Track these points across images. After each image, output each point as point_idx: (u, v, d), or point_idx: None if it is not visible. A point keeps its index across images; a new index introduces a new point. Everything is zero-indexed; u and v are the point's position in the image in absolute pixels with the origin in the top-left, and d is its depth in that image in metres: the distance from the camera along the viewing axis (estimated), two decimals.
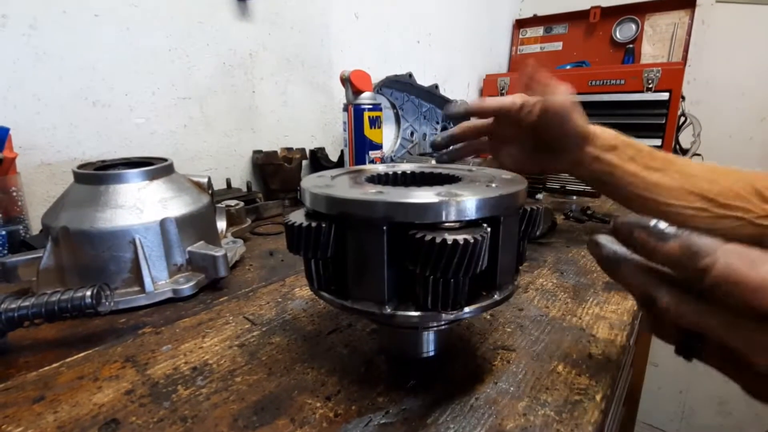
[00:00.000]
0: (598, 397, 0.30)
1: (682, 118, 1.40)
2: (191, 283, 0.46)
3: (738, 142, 1.50)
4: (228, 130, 0.86)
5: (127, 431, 0.27)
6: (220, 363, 0.35)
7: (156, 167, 0.48)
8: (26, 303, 0.35)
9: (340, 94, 0.86)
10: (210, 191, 0.55)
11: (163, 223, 0.46)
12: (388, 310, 0.27)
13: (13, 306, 0.35)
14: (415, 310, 0.27)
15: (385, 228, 0.25)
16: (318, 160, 0.99)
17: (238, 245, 0.58)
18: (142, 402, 0.30)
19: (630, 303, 0.44)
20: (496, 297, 0.29)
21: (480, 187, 0.28)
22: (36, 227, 0.58)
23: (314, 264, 0.29)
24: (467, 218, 0.25)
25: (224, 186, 0.84)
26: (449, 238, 0.23)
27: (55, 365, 0.35)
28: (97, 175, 0.45)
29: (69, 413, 0.29)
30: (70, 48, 0.63)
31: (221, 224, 0.62)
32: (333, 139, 1.09)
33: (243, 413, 0.29)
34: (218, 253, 0.47)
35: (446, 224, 0.25)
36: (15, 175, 0.53)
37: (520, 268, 0.33)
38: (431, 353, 0.34)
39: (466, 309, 0.27)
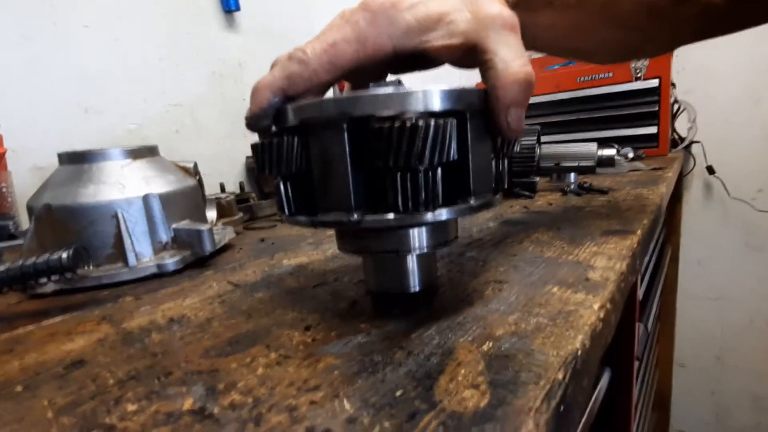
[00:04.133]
0: (595, 306, 0.28)
1: (676, 106, 1.40)
2: (176, 258, 0.45)
3: (736, 126, 1.49)
4: (220, 136, 0.88)
5: (93, 367, 0.26)
6: (198, 315, 0.33)
7: (139, 147, 0.48)
8: (1, 268, 0.35)
9: None
10: (197, 176, 0.55)
11: (146, 199, 0.45)
12: (356, 216, 0.25)
13: None
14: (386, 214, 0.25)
15: (345, 125, 0.24)
16: None
17: (227, 230, 0.57)
18: (113, 346, 0.29)
19: (630, 242, 0.42)
20: (472, 202, 0.27)
21: (440, 86, 0.27)
22: (26, 227, 0.59)
23: (283, 186, 0.28)
24: (431, 110, 0.24)
25: (218, 190, 0.85)
26: (412, 120, 0.22)
27: (29, 328, 0.34)
28: (80, 154, 0.45)
29: (35, 359, 0.28)
30: (62, 57, 0.65)
31: (211, 214, 0.61)
32: None
33: (216, 346, 0.27)
34: (204, 227, 0.47)
35: (409, 115, 0.24)
36: (5, 171, 0.54)
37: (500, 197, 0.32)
38: (417, 288, 0.32)
39: (440, 211, 0.26)
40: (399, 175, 0.24)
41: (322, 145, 0.25)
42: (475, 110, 0.27)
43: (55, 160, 0.64)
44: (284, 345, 0.26)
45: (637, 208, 0.59)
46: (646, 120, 1.32)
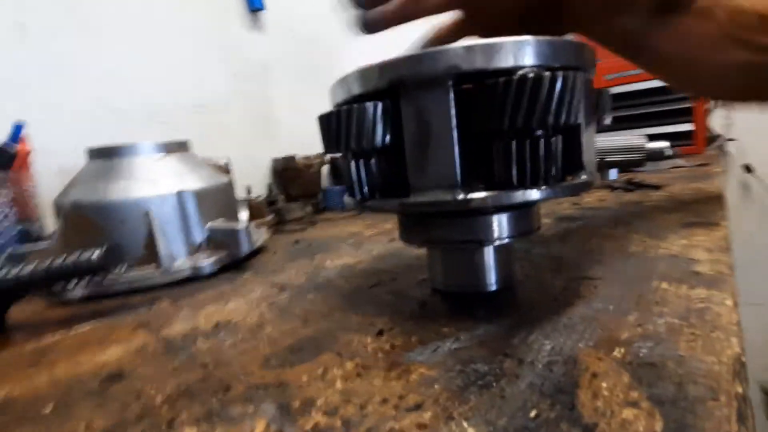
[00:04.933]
0: (728, 302, 0.23)
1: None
2: (212, 260, 0.42)
3: None
4: (245, 138, 0.85)
5: (134, 381, 0.22)
6: (246, 319, 0.29)
7: (171, 141, 0.45)
8: (25, 270, 0.31)
9: None
10: (229, 173, 0.52)
11: (180, 196, 0.42)
12: (462, 195, 0.21)
13: (9, 274, 0.31)
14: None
15: (450, 83, 0.20)
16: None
17: (261, 231, 0.54)
18: (154, 356, 0.25)
19: (722, 233, 0.37)
20: (585, 177, 0.23)
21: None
22: (50, 230, 0.56)
23: (356, 165, 0.24)
24: (546, 64, 0.20)
25: (244, 194, 0.81)
26: (535, 72, 0.18)
27: (57, 336, 0.30)
28: (110, 149, 0.42)
29: (66, 372, 0.24)
30: (89, 57, 0.63)
31: (243, 215, 0.58)
32: None
33: (276, 354, 0.23)
34: (240, 226, 0.43)
35: (521, 71, 0.20)
36: (29, 172, 0.51)
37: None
38: (493, 286, 0.28)
39: (558, 186, 0.21)
40: (515, 141, 0.19)
41: (419, 109, 0.21)
42: (588, 68, 0.23)
43: (81, 162, 0.61)
44: (358, 352, 0.22)
45: (704, 200, 0.53)
46: (680, 117, 1.26)
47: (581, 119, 0.21)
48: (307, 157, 0.89)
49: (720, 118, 1.36)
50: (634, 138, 0.72)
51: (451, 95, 0.20)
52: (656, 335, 0.20)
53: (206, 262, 0.41)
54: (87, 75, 0.63)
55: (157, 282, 0.39)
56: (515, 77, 0.19)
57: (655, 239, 0.38)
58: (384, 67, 0.21)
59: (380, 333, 0.24)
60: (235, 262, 0.45)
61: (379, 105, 0.22)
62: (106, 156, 0.42)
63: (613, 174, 0.79)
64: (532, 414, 0.15)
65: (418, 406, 0.17)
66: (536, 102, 0.19)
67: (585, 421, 0.15)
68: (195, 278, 0.41)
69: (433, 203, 0.22)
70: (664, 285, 0.27)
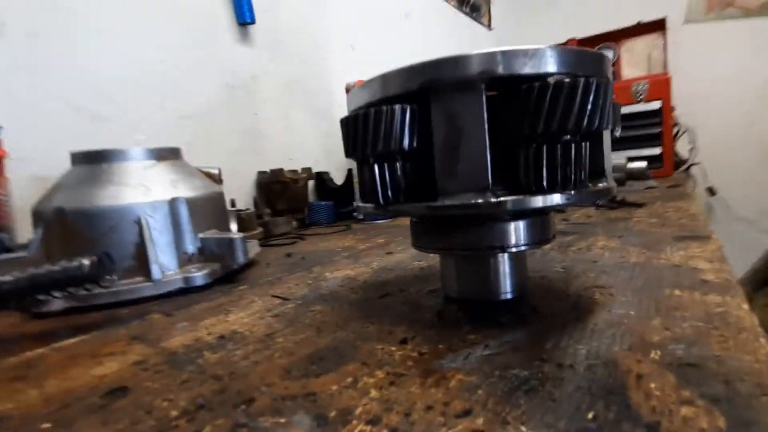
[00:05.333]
0: (744, 306, 0.23)
1: (677, 128, 1.43)
2: (205, 271, 0.40)
3: (733, 147, 1.52)
4: (231, 150, 0.83)
5: (141, 395, 0.20)
6: (252, 330, 0.27)
7: (163, 147, 0.43)
8: (6, 279, 0.29)
9: None
10: (221, 183, 0.50)
11: (173, 203, 0.40)
12: (493, 198, 0.21)
13: None
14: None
15: (483, 87, 0.20)
16: (324, 182, 0.96)
17: (253, 244, 0.52)
18: (158, 369, 0.23)
19: (715, 245, 0.38)
20: (606, 184, 0.23)
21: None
22: (23, 240, 0.52)
23: (381, 169, 0.23)
24: (574, 71, 0.21)
25: (229, 206, 0.79)
26: (571, 78, 0.19)
27: (39, 350, 0.27)
28: (98, 153, 0.40)
29: (59, 387, 0.22)
30: (70, 61, 0.61)
31: (233, 227, 0.56)
32: (337, 165, 1.07)
33: (296, 365, 0.22)
34: (236, 236, 0.41)
35: (554, 77, 0.20)
36: (3, 179, 0.48)
37: None
38: (509, 294, 0.28)
39: (583, 192, 0.21)
40: (546, 146, 0.20)
41: (450, 112, 0.21)
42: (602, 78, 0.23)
43: (57, 170, 0.58)
44: (385, 361, 0.21)
45: (688, 217, 0.56)
46: (650, 141, 1.33)
47: (609, 126, 0.22)
48: (294, 171, 0.88)
49: (685, 144, 1.44)
50: (615, 159, 0.75)
51: (484, 98, 0.20)
52: (686, 338, 0.20)
53: (199, 273, 0.39)
54: (67, 80, 0.60)
55: (148, 294, 0.37)
56: (551, 82, 0.19)
57: (654, 251, 0.39)
58: (416, 70, 0.21)
59: (404, 341, 0.23)
60: (228, 275, 0.43)
61: (408, 108, 0.22)
62: (94, 161, 0.40)
63: None
64: (590, 415, 0.15)
65: (467, 412, 0.16)
66: (571, 106, 0.19)
67: (646, 420, 0.14)
68: (186, 290, 0.39)
69: (463, 206, 0.21)
70: (677, 292, 0.27)
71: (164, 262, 0.39)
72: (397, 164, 0.23)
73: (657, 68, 1.56)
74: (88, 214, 0.36)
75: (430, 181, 0.23)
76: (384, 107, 0.22)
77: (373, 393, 0.18)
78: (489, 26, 1.86)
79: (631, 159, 0.80)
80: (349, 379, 0.19)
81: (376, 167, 0.23)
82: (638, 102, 1.33)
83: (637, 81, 1.33)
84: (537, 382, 0.17)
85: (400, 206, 0.24)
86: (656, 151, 1.33)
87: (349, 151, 0.23)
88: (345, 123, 0.23)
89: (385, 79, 0.23)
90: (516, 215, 0.26)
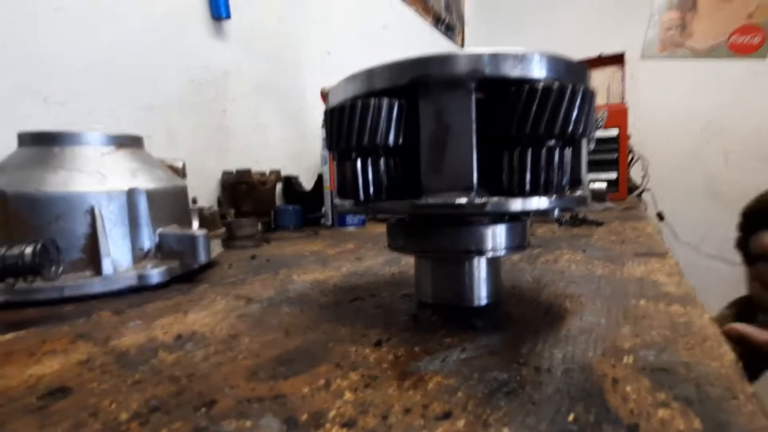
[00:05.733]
0: (705, 316, 0.24)
1: (630, 155, 1.52)
2: (162, 269, 0.37)
3: (680, 176, 1.63)
4: (195, 147, 0.79)
5: (85, 396, 0.18)
6: (213, 331, 0.26)
7: (123, 134, 0.41)
8: None
9: (313, 126, 0.84)
10: (185, 177, 0.48)
11: (131, 194, 0.37)
12: (478, 200, 0.21)
13: None
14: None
15: (472, 87, 0.20)
16: (293, 186, 0.94)
17: (215, 243, 0.49)
18: (106, 369, 0.21)
19: (672, 261, 0.40)
20: (582, 192, 0.24)
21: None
22: None
23: (364, 164, 0.23)
24: (561, 79, 0.21)
25: (191, 204, 0.75)
26: (560, 82, 0.19)
27: None
28: (50, 134, 0.37)
29: None
30: (25, 38, 0.56)
31: (194, 224, 0.53)
32: (305, 170, 1.05)
33: (263, 367, 0.20)
34: (199, 233, 0.39)
35: (543, 81, 0.20)
36: None
37: None
38: (483, 301, 0.28)
39: (566, 197, 0.22)
40: (531, 149, 0.20)
41: (439, 109, 0.21)
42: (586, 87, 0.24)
43: (4, 153, 0.53)
44: (360, 363, 0.20)
45: (645, 236, 0.58)
46: (608, 166, 1.41)
47: (592, 134, 0.22)
48: (262, 173, 0.85)
49: (639, 170, 1.53)
50: None
51: (473, 98, 0.20)
52: (655, 344, 0.21)
53: (155, 270, 0.37)
54: (21, 58, 0.56)
55: (97, 290, 0.34)
56: (539, 86, 0.19)
57: (617, 265, 0.40)
58: (407, 64, 0.21)
59: (379, 344, 0.22)
60: (187, 274, 0.40)
61: (396, 102, 0.21)
62: (44, 143, 0.37)
63: (556, 211, 0.85)
64: (570, 417, 0.15)
65: (447, 415, 0.15)
66: (558, 111, 0.19)
67: (625, 422, 0.14)
68: (140, 289, 0.36)
69: (447, 205, 0.21)
70: (643, 302, 0.28)
71: (117, 257, 0.36)
72: (381, 160, 0.22)
73: (615, 99, 1.66)
74: (33, 199, 0.33)
75: (412, 180, 0.22)
76: (372, 99, 0.21)
77: (348, 395, 0.17)
78: (462, 46, 1.92)
79: (591, 181, 0.84)
80: (322, 381, 0.18)
81: (358, 162, 0.23)
82: (597, 128, 1.41)
83: (597, 109, 1.41)
84: (516, 385, 0.17)
85: (381, 203, 0.23)
86: (612, 175, 1.41)
87: (332, 144, 0.23)
88: (330, 114, 0.23)
89: (373, 72, 0.22)
90: (495, 219, 0.26)
